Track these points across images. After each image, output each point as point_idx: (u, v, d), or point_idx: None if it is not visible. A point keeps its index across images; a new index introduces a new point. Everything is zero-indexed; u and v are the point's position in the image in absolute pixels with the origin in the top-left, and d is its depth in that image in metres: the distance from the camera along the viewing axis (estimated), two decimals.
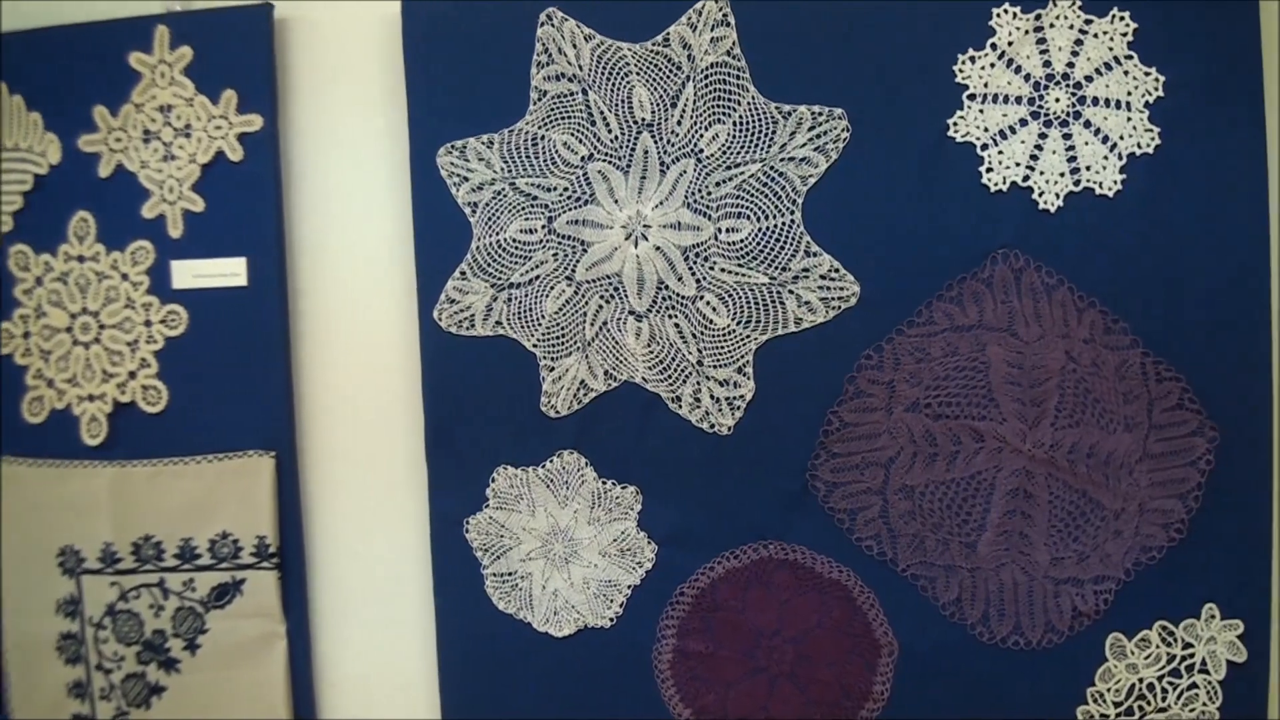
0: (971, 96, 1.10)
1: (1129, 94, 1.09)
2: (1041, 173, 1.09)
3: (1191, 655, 1.12)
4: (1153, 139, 1.09)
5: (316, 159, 1.25)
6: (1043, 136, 1.10)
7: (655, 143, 1.12)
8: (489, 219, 1.16)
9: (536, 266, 1.15)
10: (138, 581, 1.27)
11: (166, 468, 1.27)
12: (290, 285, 1.25)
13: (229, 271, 1.25)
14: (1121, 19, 1.08)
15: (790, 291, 1.12)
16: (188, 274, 1.25)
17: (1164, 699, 1.13)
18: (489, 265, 1.16)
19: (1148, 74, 1.09)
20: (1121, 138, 1.09)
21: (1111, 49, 1.09)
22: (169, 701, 1.29)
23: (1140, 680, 1.13)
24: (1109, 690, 1.13)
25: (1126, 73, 1.09)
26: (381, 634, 1.26)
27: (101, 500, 1.28)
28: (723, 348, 1.13)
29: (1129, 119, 1.09)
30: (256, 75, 1.23)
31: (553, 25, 1.13)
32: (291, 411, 1.25)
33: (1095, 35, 1.09)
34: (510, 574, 1.19)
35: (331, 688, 1.27)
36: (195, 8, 1.25)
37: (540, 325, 1.16)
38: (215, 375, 1.26)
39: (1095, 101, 1.09)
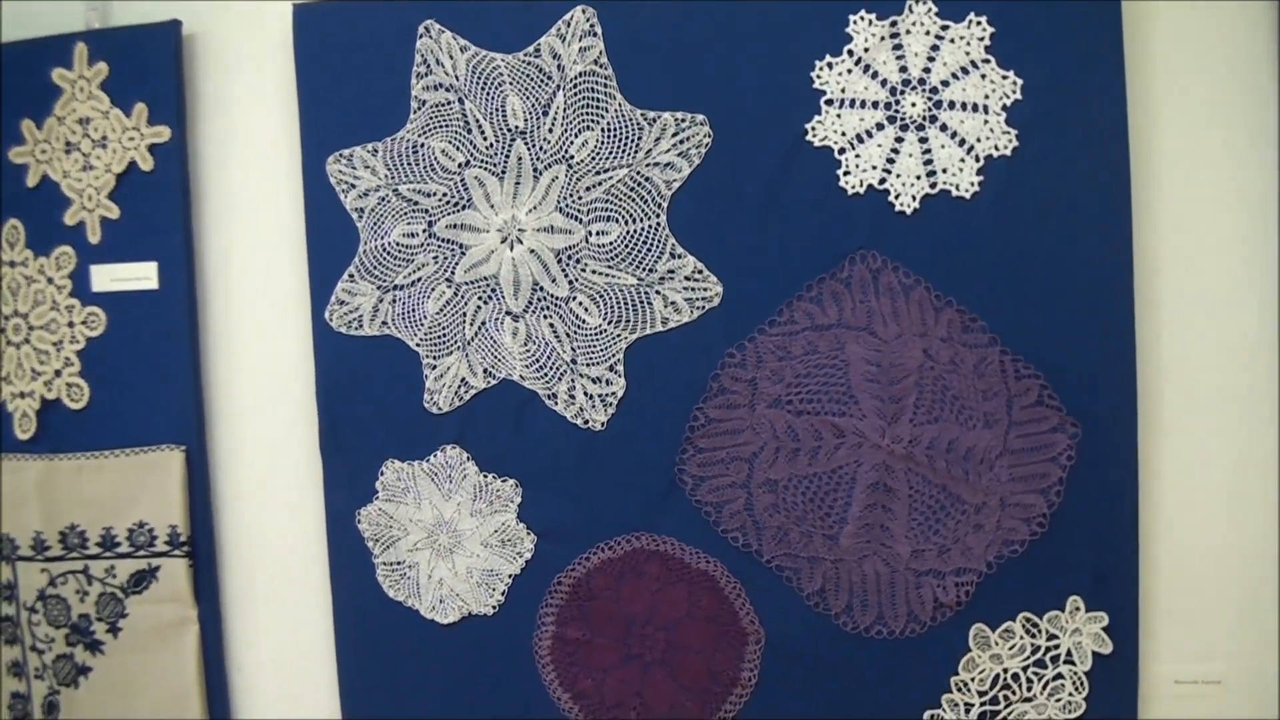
0: (829, 102, 1.13)
1: (986, 97, 1.11)
2: (898, 175, 1.12)
3: (1057, 646, 1.15)
4: (1010, 141, 1.11)
5: (223, 167, 1.31)
6: (899, 140, 1.12)
7: (528, 149, 1.17)
8: (374, 224, 1.21)
9: (418, 269, 1.20)
10: (65, 568, 1.34)
11: (89, 461, 1.34)
12: (199, 288, 1.32)
13: (141, 275, 1.31)
14: (979, 23, 1.11)
15: (657, 292, 1.16)
16: (106, 278, 1.32)
17: (1029, 689, 1.15)
18: (375, 268, 1.22)
19: (1005, 77, 1.11)
20: (978, 140, 1.11)
21: (968, 53, 1.11)
22: (95, 681, 1.36)
23: (1005, 670, 1.15)
24: (973, 679, 1.16)
25: (984, 76, 1.11)
26: (287, 619, 1.32)
27: (31, 491, 1.35)
28: (595, 347, 1.17)
29: (986, 122, 1.11)
30: (165, 89, 1.30)
31: (430, 37, 1.18)
32: (201, 407, 1.31)
33: (952, 40, 1.11)
34: (399, 563, 1.25)
35: (241, 671, 1.33)
36: (111, 25, 1.32)
37: (423, 325, 1.21)
38: (131, 373, 1.32)
39: (952, 105, 1.12)
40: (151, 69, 1.30)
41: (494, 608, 1.23)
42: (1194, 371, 1.14)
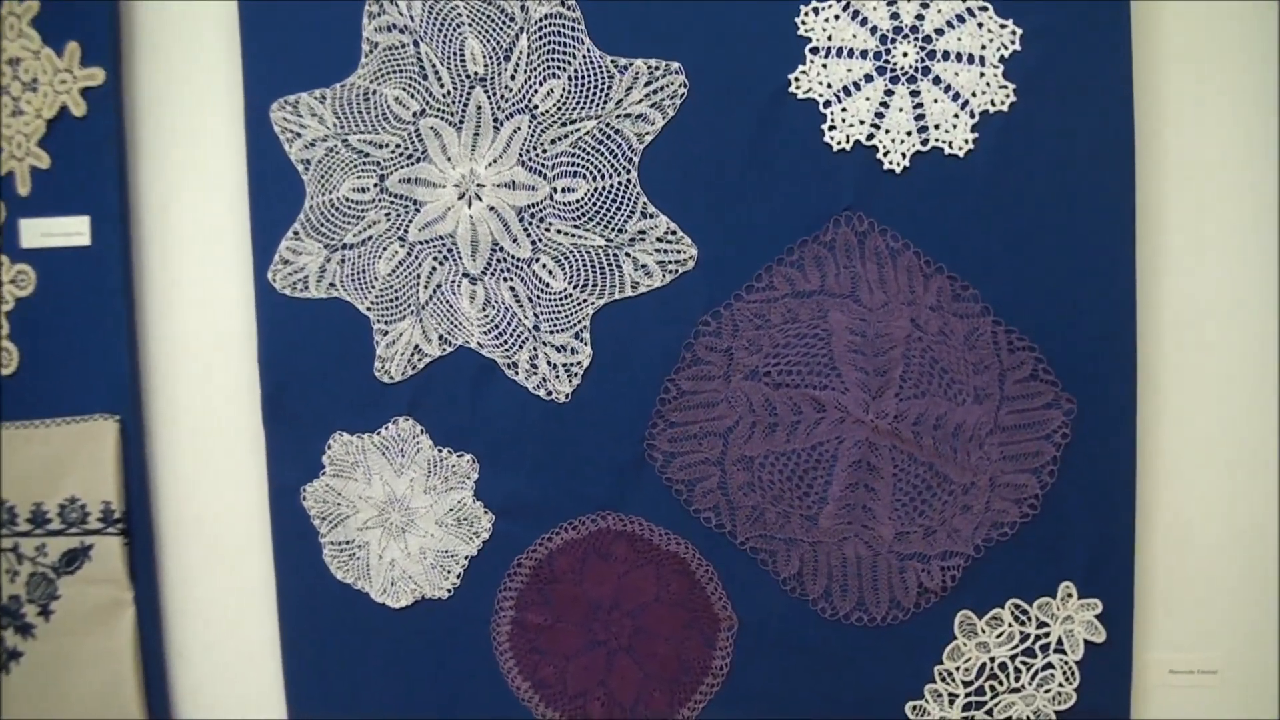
0: (814, 50, 1.05)
1: (983, 48, 1.04)
2: (887, 131, 1.04)
3: (1047, 635, 1.09)
4: (1007, 96, 1.03)
5: (160, 114, 1.22)
6: (889, 93, 1.04)
7: (488, 98, 1.08)
8: (322, 177, 1.12)
9: (369, 226, 1.11)
10: None
11: (17, 431, 1.25)
12: (134, 245, 1.22)
13: (73, 230, 1.22)
14: None
15: (627, 254, 1.07)
16: (36, 233, 1.23)
17: (1017, 679, 1.09)
18: (322, 225, 1.13)
19: (1004, 27, 1.03)
20: (974, 94, 1.04)
21: (965, 0, 1.03)
22: (26, 666, 1.27)
23: (992, 659, 1.09)
24: (958, 669, 1.09)
25: (981, 25, 1.04)
26: (229, 601, 1.24)
27: None
28: (559, 312, 1.09)
29: (982, 75, 1.04)
30: (100, 27, 1.20)
31: None
32: (136, 375, 1.22)
33: None
34: (348, 543, 1.16)
35: (180, 656, 1.25)
36: None
37: (374, 288, 1.12)
38: (62, 337, 1.23)
39: (946, 56, 1.04)
40: (86, 4, 1.20)
41: (449, 591, 1.15)
42: (1197, 348, 1.08)
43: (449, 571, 1.15)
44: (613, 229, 1.07)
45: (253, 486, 1.21)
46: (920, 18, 1.04)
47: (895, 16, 1.04)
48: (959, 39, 1.04)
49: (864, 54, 1.05)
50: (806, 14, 1.05)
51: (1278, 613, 1.11)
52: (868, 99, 1.04)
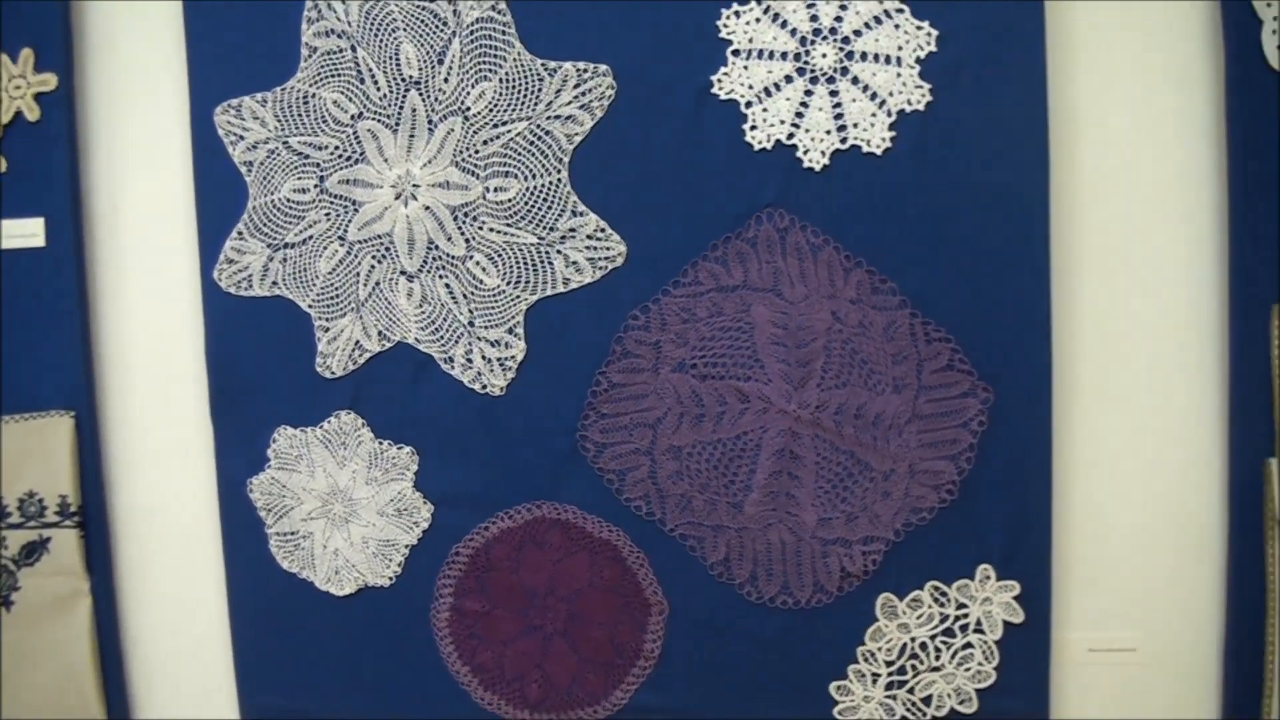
0: (736, 52, 1.08)
1: (900, 49, 1.07)
2: (807, 130, 1.08)
3: (966, 615, 1.12)
4: (923, 95, 1.07)
5: (112, 118, 1.25)
6: (808, 93, 1.08)
7: (423, 100, 1.11)
8: (264, 178, 1.15)
9: (310, 226, 1.15)
10: None
11: None
12: (88, 246, 1.26)
13: (28, 232, 1.25)
14: None
15: (558, 251, 1.11)
16: None
17: (938, 658, 1.13)
18: (264, 225, 1.16)
19: (920, 28, 1.07)
20: (891, 94, 1.07)
21: (881, 2, 1.07)
22: None
23: (913, 640, 1.13)
24: (880, 649, 1.13)
25: (898, 26, 1.07)
26: (182, 591, 1.28)
27: None
28: (493, 308, 1.12)
29: (899, 75, 1.07)
30: (53, 32, 1.23)
31: None
32: (91, 372, 1.26)
33: None
34: (293, 533, 1.20)
35: (136, 643, 1.29)
36: None
37: (315, 285, 1.16)
38: (19, 336, 1.26)
39: (864, 57, 1.07)
40: (39, 10, 1.23)
41: (391, 579, 1.19)
42: (1110, 336, 1.12)
43: (390, 560, 1.18)
44: (544, 227, 1.11)
45: (203, 479, 1.24)
46: (839, 20, 1.07)
47: (814, 19, 1.07)
48: (876, 40, 1.07)
49: (784, 55, 1.08)
50: (728, 17, 1.08)
51: (1194, 591, 1.14)
52: (788, 99, 1.08)
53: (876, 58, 1.07)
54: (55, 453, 1.26)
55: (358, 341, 1.15)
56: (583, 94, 1.09)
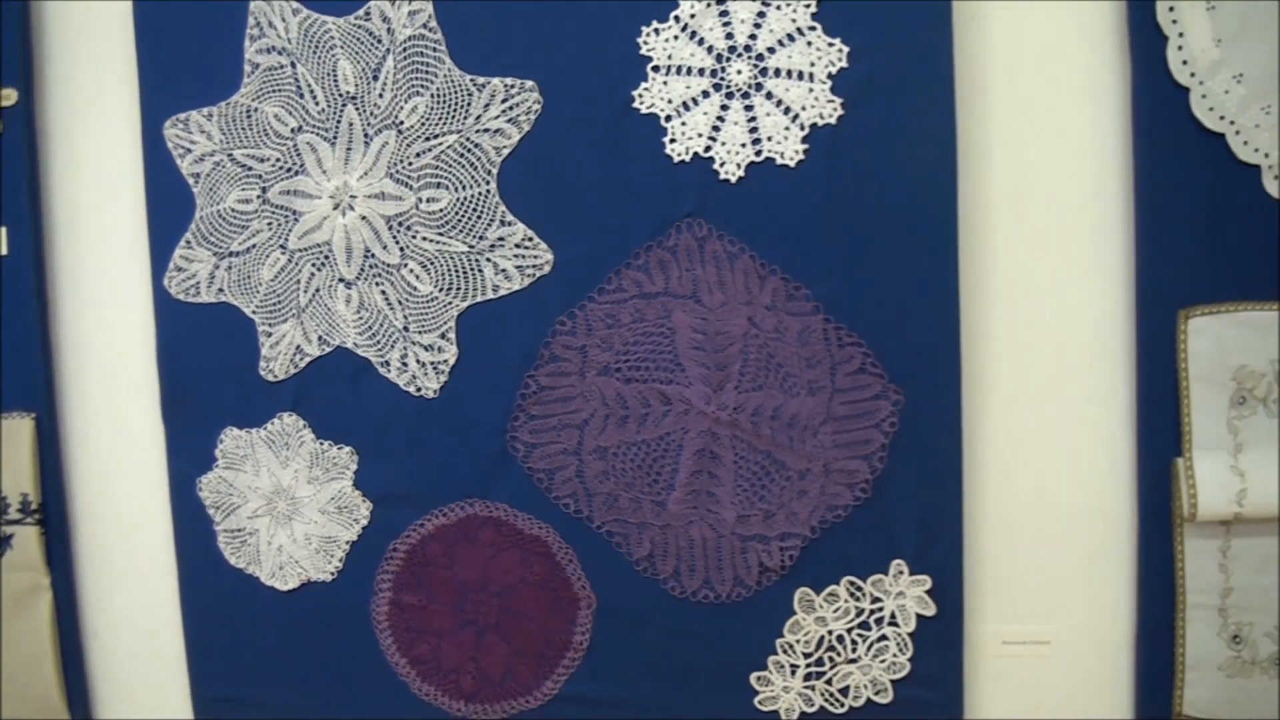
0: (656, 69, 1.13)
1: (812, 65, 1.11)
2: (723, 143, 1.12)
3: (880, 609, 1.16)
4: (835, 110, 1.11)
5: (70, 132, 1.31)
6: (724, 108, 1.12)
7: (359, 115, 1.16)
8: (210, 189, 1.21)
9: (253, 235, 1.20)
10: None
11: None
12: (48, 254, 1.31)
13: None
14: None
15: (488, 259, 1.16)
16: None
17: (854, 650, 1.17)
18: (211, 234, 1.21)
19: (831, 44, 1.11)
20: (804, 108, 1.11)
21: (794, 20, 1.11)
22: None
23: (830, 632, 1.17)
24: (799, 642, 1.17)
25: (810, 44, 1.11)
26: (139, 585, 1.33)
27: None
28: (427, 314, 1.17)
29: (811, 90, 1.11)
30: (13, 48, 1.28)
31: None
32: (50, 375, 1.31)
33: (778, 7, 1.11)
34: (240, 530, 1.25)
35: (95, 635, 1.34)
36: None
37: (258, 292, 1.21)
38: None
39: (778, 73, 1.12)
40: (0, 30, 1.28)
41: (333, 574, 1.24)
42: (1020, 340, 1.15)
43: (332, 556, 1.23)
44: (474, 236, 1.16)
45: (156, 478, 1.30)
46: (753, 38, 1.12)
47: (730, 36, 1.12)
48: (789, 57, 1.11)
49: (701, 72, 1.12)
50: (649, 34, 1.12)
51: (1105, 586, 1.17)
52: (705, 114, 1.12)
53: (790, 74, 1.11)
54: (17, 453, 1.31)
55: (299, 346, 1.20)
56: (510, 108, 1.14)
